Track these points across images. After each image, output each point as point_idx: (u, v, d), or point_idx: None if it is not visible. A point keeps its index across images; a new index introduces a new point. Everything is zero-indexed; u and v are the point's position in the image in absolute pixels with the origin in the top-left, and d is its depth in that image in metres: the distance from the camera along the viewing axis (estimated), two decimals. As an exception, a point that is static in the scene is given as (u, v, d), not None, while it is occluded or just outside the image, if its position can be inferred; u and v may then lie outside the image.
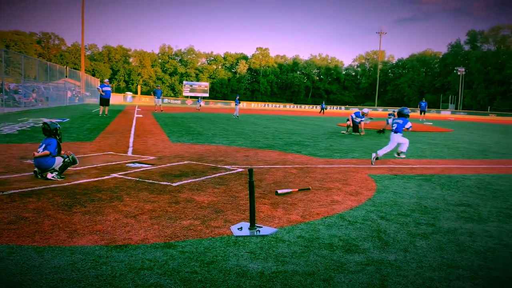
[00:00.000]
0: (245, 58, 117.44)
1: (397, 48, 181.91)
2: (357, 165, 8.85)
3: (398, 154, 9.36)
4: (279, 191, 5.69)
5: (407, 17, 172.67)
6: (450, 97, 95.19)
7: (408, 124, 9.02)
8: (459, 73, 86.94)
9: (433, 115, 66.81)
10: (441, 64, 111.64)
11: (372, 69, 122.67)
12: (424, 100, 37.63)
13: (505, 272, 3.34)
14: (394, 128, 9.08)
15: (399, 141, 9.08)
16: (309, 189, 6.09)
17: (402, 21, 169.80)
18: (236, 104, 31.04)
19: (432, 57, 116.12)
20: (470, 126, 31.09)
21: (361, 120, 17.68)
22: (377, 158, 8.84)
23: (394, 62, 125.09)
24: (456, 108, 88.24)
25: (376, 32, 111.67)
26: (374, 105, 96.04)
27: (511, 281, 3.17)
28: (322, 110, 50.64)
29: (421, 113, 36.62)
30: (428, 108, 46.05)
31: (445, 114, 73.83)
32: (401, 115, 9.12)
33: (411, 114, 9.71)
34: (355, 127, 17.82)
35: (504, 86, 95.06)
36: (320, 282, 3.05)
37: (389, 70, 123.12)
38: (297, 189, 5.97)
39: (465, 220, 4.83)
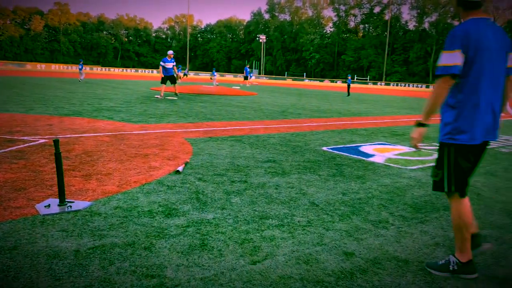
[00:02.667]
0: (40, 13, 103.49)
1: (205, 13, 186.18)
2: (173, 129, 8.87)
3: None
4: (180, 169, 5.22)
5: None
6: (254, 62, 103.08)
7: None
8: (261, 40, 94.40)
9: (240, 79, 71.50)
10: (245, 31, 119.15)
11: (182, 33, 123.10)
12: (247, 66, 40.98)
13: (305, 217, 3.85)
14: None
15: None
16: (188, 162, 5.77)
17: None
18: (80, 69, 30.11)
19: (238, 24, 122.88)
20: (271, 90, 34.36)
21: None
22: None
23: (202, 27, 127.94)
24: (259, 73, 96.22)
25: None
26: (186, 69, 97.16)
27: (310, 224, 3.67)
28: (185, 75, 47.17)
29: (245, 79, 39.53)
30: (235, 73, 49.43)
31: (250, 79, 79.62)
32: None
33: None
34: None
35: (298, 54, 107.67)
36: (142, 250, 2.99)
37: (199, 35, 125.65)
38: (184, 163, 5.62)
39: (272, 175, 5.36)
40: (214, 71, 38.49)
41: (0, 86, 20.18)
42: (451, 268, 2.85)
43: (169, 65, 17.62)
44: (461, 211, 2.82)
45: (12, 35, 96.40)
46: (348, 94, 29.89)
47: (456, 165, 2.76)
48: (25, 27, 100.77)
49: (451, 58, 2.64)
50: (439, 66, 2.70)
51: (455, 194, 2.84)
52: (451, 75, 2.64)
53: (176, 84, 18.45)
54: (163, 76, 17.78)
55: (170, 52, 18.01)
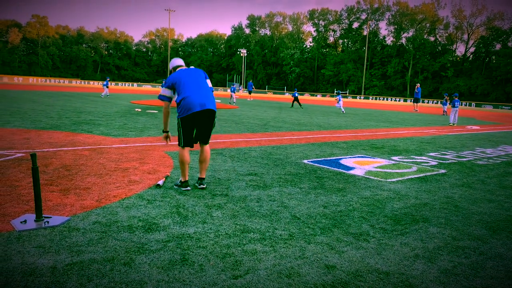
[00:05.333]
0: (18, 26, 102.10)
1: (186, 27, 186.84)
2: (153, 143, 8.80)
3: None
4: (160, 183, 5.21)
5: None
6: (235, 76, 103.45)
7: None
8: (241, 54, 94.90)
9: (220, 93, 71.57)
10: (226, 45, 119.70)
11: (162, 46, 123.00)
12: (251, 81, 44.72)
13: (287, 230, 3.85)
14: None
15: None
16: (168, 176, 5.74)
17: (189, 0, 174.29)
18: (105, 84, 30.99)
19: (218, 38, 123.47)
20: (252, 104, 34.47)
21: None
22: None
23: (183, 41, 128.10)
24: (240, 87, 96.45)
25: (165, 9, 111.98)
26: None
27: (292, 238, 3.67)
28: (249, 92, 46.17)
29: (249, 93, 43.38)
30: (216, 86, 51.65)
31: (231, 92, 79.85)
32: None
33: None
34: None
35: (278, 68, 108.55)
36: (121, 266, 2.93)
37: (179, 48, 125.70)
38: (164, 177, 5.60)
39: (253, 188, 5.35)
40: (234, 86, 37.58)
41: (-25, 99, 19.74)
42: (178, 183, 5.15)
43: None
44: (183, 154, 5.12)
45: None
46: (300, 106, 30.85)
47: (184, 130, 5.07)
48: (2, 39, 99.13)
49: (165, 92, 5.08)
50: (159, 95, 5.15)
51: (183, 147, 5.13)
52: (167, 100, 5.11)
53: None
54: None
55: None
